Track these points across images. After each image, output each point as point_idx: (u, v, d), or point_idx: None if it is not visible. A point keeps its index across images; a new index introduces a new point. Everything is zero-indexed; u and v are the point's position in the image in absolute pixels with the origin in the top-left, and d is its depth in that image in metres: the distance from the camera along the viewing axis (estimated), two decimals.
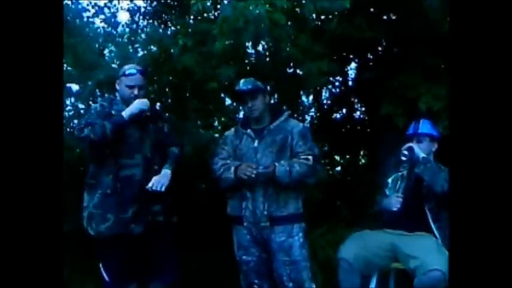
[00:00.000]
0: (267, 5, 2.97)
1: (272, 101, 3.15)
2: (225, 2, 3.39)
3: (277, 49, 3.71)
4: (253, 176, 2.68)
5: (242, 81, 2.89)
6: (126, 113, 2.80)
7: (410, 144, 2.95)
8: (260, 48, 4.10)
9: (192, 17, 3.81)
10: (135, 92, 2.85)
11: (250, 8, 2.94)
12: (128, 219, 2.78)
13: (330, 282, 3.19)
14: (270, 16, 2.99)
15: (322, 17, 3.98)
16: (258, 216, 2.75)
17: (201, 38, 3.48)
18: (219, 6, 3.50)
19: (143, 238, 2.83)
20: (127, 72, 2.89)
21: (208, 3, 3.31)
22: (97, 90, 4.16)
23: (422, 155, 2.91)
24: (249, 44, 3.96)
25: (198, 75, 3.65)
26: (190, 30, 3.71)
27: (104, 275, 2.84)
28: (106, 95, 3.57)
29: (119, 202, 2.78)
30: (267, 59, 4.06)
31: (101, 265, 2.85)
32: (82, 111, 4.38)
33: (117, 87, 2.95)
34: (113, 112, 2.85)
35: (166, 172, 2.89)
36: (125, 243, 2.81)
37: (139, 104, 2.82)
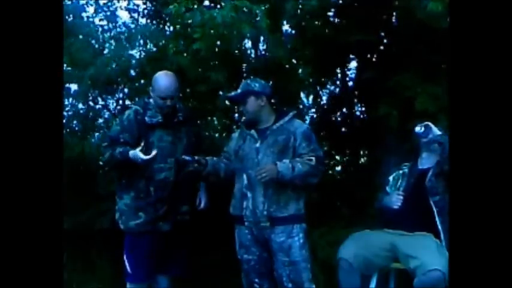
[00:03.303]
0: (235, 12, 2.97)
1: (273, 101, 3.11)
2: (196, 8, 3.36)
3: (266, 52, 3.73)
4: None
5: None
6: (131, 154, 2.79)
7: (427, 122, 2.90)
8: (251, 51, 4.11)
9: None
10: (168, 102, 2.88)
11: (222, 14, 2.95)
12: (158, 217, 2.90)
13: (330, 283, 3.18)
14: (242, 20, 3.00)
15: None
16: (258, 216, 2.75)
17: (192, 41, 3.48)
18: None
19: (168, 235, 2.93)
20: (159, 83, 2.89)
21: (183, 9, 3.31)
22: (97, 91, 4.16)
23: (438, 132, 2.85)
24: (245, 46, 3.98)
25: (189, 76, 3.67)
26: (183, 31, 3.71)
27: (127, 266, 2.94)
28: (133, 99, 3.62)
29: (150, 203, 2.88)
30: (262, 61, 4.05)
31: (124, 256, 2.95)
32: (81, 111, 4.39)
33: (151, 93, 2.94)
34: (146, 119, 2.88)
35: (203, 188, 3.08)
36: (151, 238, 2.90)
37: (136, 156, 2.77)
